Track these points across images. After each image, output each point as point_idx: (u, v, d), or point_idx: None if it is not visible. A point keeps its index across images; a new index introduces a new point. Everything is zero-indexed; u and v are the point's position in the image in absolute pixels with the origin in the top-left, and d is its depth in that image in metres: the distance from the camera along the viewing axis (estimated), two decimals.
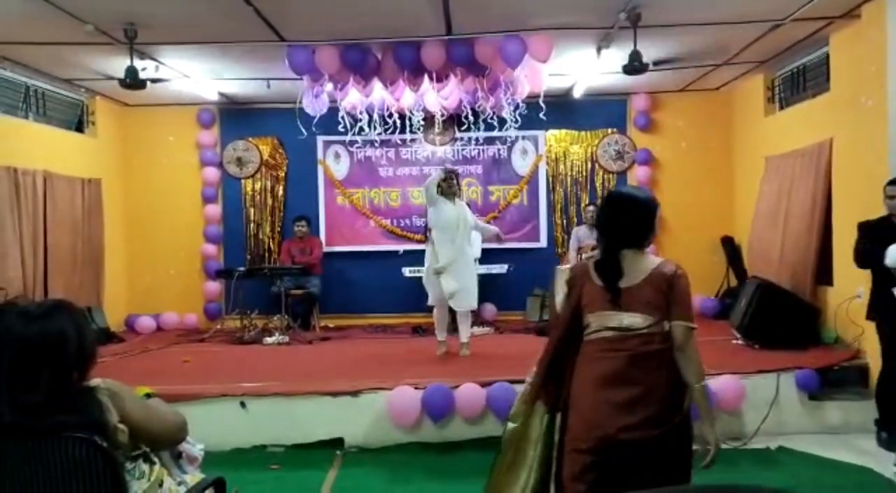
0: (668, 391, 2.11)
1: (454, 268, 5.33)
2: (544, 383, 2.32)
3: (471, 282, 5.47)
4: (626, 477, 2.04)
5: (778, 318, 5.38)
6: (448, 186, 5.43)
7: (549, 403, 2.31)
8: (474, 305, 5.60)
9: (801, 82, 6.41)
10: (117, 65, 5.74)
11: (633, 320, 2.15)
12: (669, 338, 2.13)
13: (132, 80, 5.51)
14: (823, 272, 5.62)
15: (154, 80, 6.05)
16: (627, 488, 1.99)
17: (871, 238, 4.10)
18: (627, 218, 2.24)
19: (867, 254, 4.11)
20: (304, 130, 6.32)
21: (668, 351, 2.12)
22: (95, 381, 1.88)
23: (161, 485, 1.95)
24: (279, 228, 8.04)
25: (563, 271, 2.40)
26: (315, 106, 6.12)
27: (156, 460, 1.99)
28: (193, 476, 2.14)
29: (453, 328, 5.73)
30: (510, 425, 2.39)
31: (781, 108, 6.78)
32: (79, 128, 7.24)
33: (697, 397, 2.11)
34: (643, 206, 2.27)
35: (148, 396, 2.16)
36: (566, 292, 2.31)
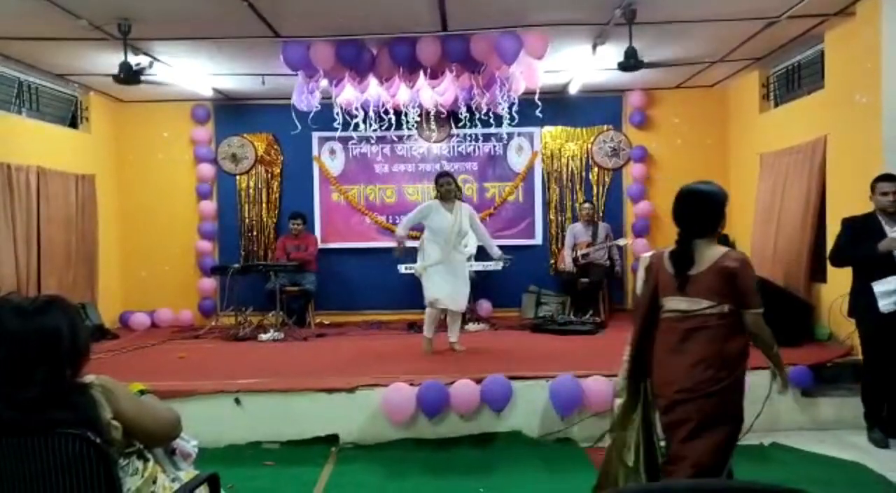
0: (719, 361, 2.50)
1: (443, 271, 5.41)
2: (636, 355, 2.69)
3: (461, 284, 5.50)
4: (687, 425, 2.48)
5: (771, 314, 5.36)
6: (446, 192, 5.42)
7: (641, 374, 2.70)
8: (464, 306, 5.63)
9: (795, 79, 6.42)
10: (111, 60, 5.71)
11: (693, 304, 2.52)
12: (725, 318, 2.50)
13: (126, 76, 5.48)
14: (817, 269, 5.64)
15: (149, 82, 6.02)
16: (690, 435, 2.45)
17: (856, 235, 4.11)
18: (698, 211, 2.56)
19: (841, 253, 4.14)
20: (298, 126, 6.30)
21: (722, 328, 2.50)
22: (89, 377, 1.87)
23: (155, 482, 1.95)
24: (274, 225, 8.03)
25: (644, 259, 2.73)
26: (305, 102, 6.10)
27: (150, 456, 1.99)
28: (187, 473, 2.14)
29: (442, 328, 5.74)
30: (618, 401, 2.77)
31: (776, 105, 6.79)
32: (73, 124, 7.21)
33: (774, 358, 2.68)
34: (712, 199, 2.58)
35: (142, 392, 2.16)
36: (644, 278, 2.66)
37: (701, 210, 2.56)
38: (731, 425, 2.53)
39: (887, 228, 4.04)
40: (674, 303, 2.56)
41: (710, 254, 2.51)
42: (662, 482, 1.10)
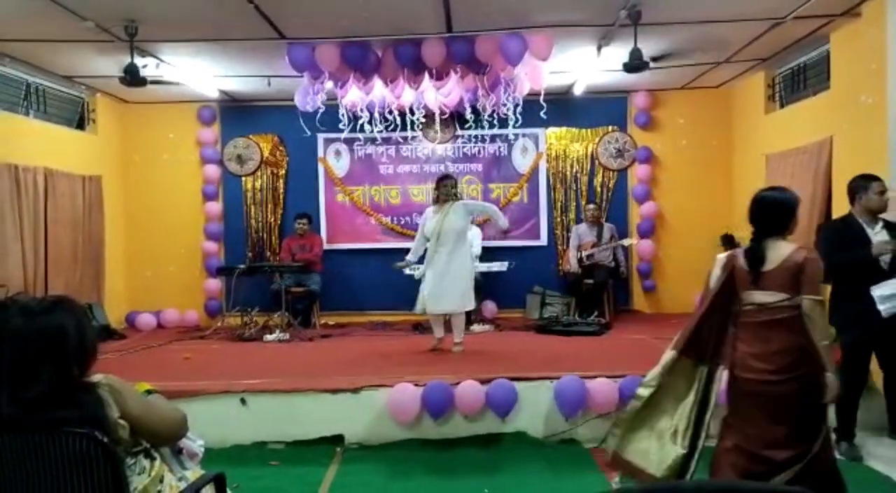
0: (798, 349, 2.71)
1: (429, 274, 5.47)
2: (691, 344, 2.96)
3: (449, 286, 5.40)
4: (766, 408, 2.74)
5: None
6: (445, 195, 5.49)
7: (699, 357, 2.94)
8: (453, 308, 5.50)
9: (801, 80, 6.41)
10: (118, 62, 5.74)
11: (767, 298, 2.78)
12: (798, 309, 2.71)
13: (132, 78, 5.51)
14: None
15: (155, 82, 6.05)
16: (768, 418, 2.73)
17: (839, 240, 3.98)
18: (772, 215, 2.86)
19: (830, 261, 4.01)
20: (305, 129, 6.32)
21: (795, 319, 2.72)
22: (96, 377, 1.89)
23: (161, 480, 1.97)
24: (279, 226, 8.05)
25: (719, 260, 3.03)
26: (308, 102, 6.11)
27: (156, 455, 2.00)
28: (194, 472, 2.15)
29: (449, 328, 5.74)
30: (644, 390, 3.03)
31: (782, 106, 6.77)
32: (79, 125, 7.24)
33: (821, 352, 2.69)
34: (784, 205, 2.89)
35: (148, 392, 2.17)
36: (719, 275, 2.94)
37: (774, 214, 2.86)
38: (816, 408, 2.75)
39: (869, 230, 3.98)
40: (752, 297, 2.82)
41: (782, 251, 2.78)
42: (671, 483, 1.11)
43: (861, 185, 4.05)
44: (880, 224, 4.03)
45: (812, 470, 2.67)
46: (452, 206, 5.49)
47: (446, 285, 5.41)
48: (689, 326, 2.99)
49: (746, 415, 2.81)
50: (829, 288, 4.11)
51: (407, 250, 7.56)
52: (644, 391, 3.04)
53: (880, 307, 3.83)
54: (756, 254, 2.81)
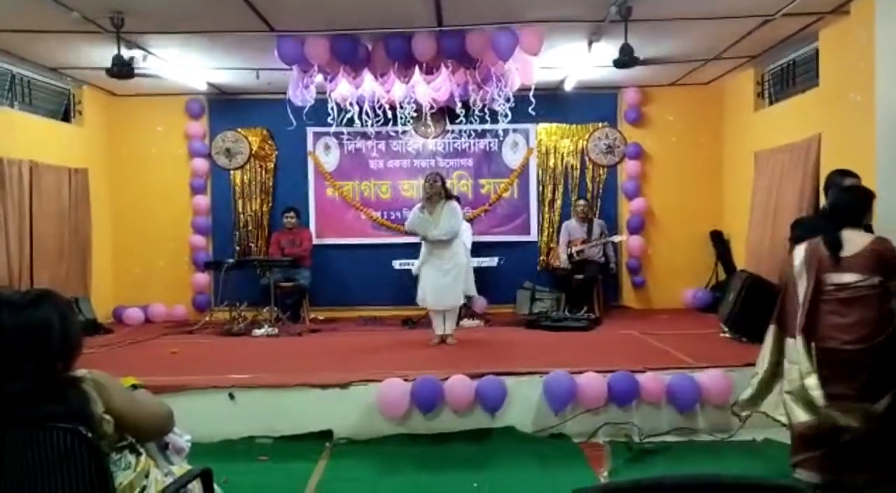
0: (874, 321, 3.13)
1: (427, 272, 5.54)
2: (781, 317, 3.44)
3: (446, 283, 5.50)
4: (845, 371, 3.13)
5: (765, 311, 5.37)
6: (428, 192, 5.53)
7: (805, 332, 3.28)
8: (451, 305, 5.63)
9: (790, 77, 6.44)
10: (104, 54, 5.68)
11: (849, 278, 3.17)
12: (875, 288, 3.14)
13: (119, 70, 5.45)
14: None
15: (142, 74, 5.99)
16: (846, 379, 3.12)
17: (812, 238, 4.02)
18: (847, 207, 3.30)
19: None
20: (293, 118, 6.27)
21: (874, 296, 3.13)
22: (81, 371, 1.87)
23: (147, 476, 1.95)
24: (268, 220, 8.01)
25: (798, 251, 3.38)
26: (301, 96, 6.08)
27: (142, 451, 1.98)
28: (180, 467, 2.13)
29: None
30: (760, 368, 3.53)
31: (771, 103, 6.81)
32: (65, 117, 7.16)
33: None
34: (858, 199, 3.34)
35: (134, 387, 2.15)
36: (802, 260, 3.31)
37: (850, 208, 3.29)
38: (888, 370, 3.11)
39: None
40: (833, 278, 3.21)
41: (860, 240, 3.19)
42: (656, 477, 1.12)
43: (834, 180, 4.11)
44: None
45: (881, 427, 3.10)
46: (447, 205, 5.50)
47: (447, 282, 5.51)
48: (788, 306, 3.38)
49: (828, 378, 3.15)
50: None
51: (397, 245, 7.63)
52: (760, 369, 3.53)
53: None
54: (836, 242, 3.22)
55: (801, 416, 3.26)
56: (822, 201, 4.19)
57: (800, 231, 4.18)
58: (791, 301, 3.36)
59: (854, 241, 3.20)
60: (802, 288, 3.30)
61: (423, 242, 5.65)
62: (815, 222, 4.13)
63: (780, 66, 6.58)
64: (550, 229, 7.94)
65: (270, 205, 8.01)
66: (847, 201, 3.37)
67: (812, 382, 3.20)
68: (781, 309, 3.44)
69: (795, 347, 3.27)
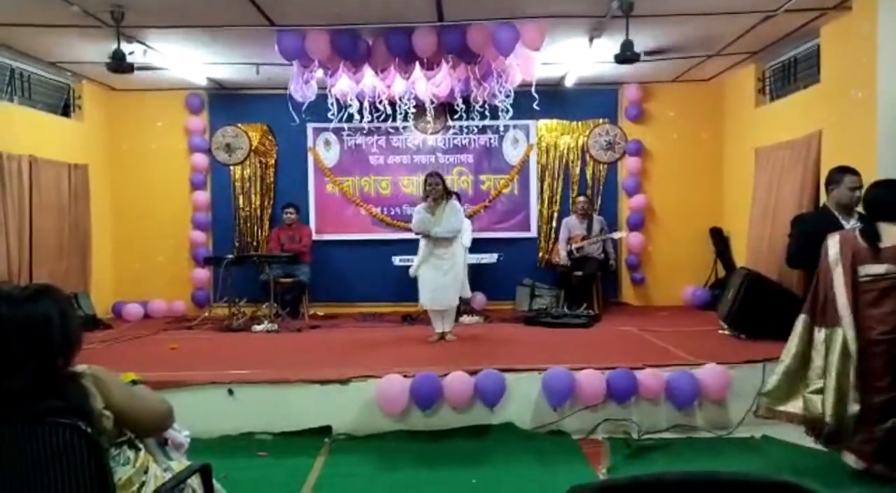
0: None
1: (427, 271, 5.53)
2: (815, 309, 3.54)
3: (446, 282, 5.51)
4: (881, 366, 3.29)
5: (764, 308, 5.41)
6: (429, 191, 5.51)
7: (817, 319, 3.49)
8: (447, 304, 5.63)
9: (791, 74, 6.42)
10: (104, 48, 5.66)
11: (886, 269, 3.30)
12: None
13: (119, 64, 5.44)
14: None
15: (141, 68, 5.97)
16: (883, 372, 3.28)
17: (814, 233, 3.93)
18: (886, 201, 3.38)
19: (802, 254, 4.05)
20: (296, 117, 6.26)
21: None
22: (81, 367, 1.87)
23: (146, 471, 1.95)
24: (268, 216, 8.00)
25: (833, 240, 3.50)
26: (303, 92, 6.07)
27: (141, 446, 1.98)
28: (179, 463, 2.13)
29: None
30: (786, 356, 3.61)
31: (772, 99, 6.79)
32: (65, 112, 7.15)
33: None
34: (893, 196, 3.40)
35: (134, 382, 2.15)
36: (837, 250, 3.43)
37: (887, 202, 3.38)
38: None
39: (845, 224, 4.01)
40: (870, 269, 3.33)
41: (894, 232, 3.33)
42: (654, 473, 1.11)
43: (835, 177, 4.10)
44: (856, 217, 4.05)
45: None
46: (448, 204, 5.50)
47: (447, 282, 5.51)
48: (820, 296, 3.49)
49: (866, 370, 3.29)
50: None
51: (397, 241, 7.63)
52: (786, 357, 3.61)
53: None
54: (874, 234, 3.35)
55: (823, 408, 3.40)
56: (823, 198, 4.20)
57: (801, 227, 4.17)
58: (824, 291, 3.46)
59: (890, 233, 3.33)
60: (838, 279, 3.41)
61: (422, 241, 5.62)
62: (816, 218, 4.13)
63: (781, 62, 6.56)
64: (550, 226, 7.94)
65: (270, 200, 8.01)
66: (885, 195, 3.45)
67: (817, 384, 3.38)
68: (813, 299, 3.52)
69: (823, 337, 3.44)
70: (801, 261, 4.20)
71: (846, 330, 3.36)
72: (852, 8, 5.05)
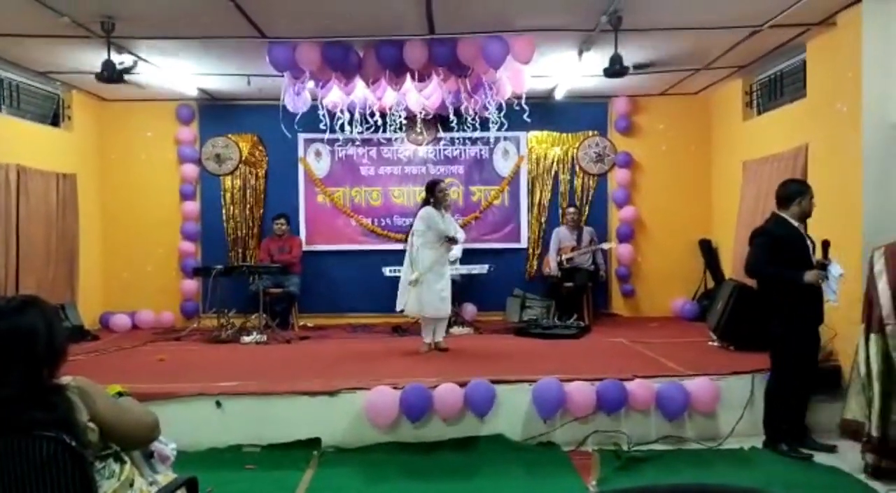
0: None
1: (434, 279, 5.54)
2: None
3: (447, 287, 5.58)
4: None
5: (753, 320, 5.43)
6: (443, 197, 5.65)
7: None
8: (447, 311, 5.70)
9: (778, 88, 6.50)
10: (94, 58, 5.65)
11: None
12: None
13: (109, 75, 5.42)
14: None
15: (133, 81, 5.96)
16: None
17: (777, 247, 4.04)
18: None
19: (763, 269, 4.08)
20: (287, 132, 6.27)
21: None
22: (66, 379, 1.85)
23: (132, 485, 1.93)
24: (258, 227, 7.97)
25: (878, 252, 3.81)
26: (297, 103, 6.08)
27: (126, 459, 1.96)
28: (165, 476, 2.11)
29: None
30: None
31: (759, 113, 6.87)
32: (54, 122, 7.11)
33: None
34: None
35: (120, 394, 2.13)
36: (884, 263, 3.74)
37: None
38: None
39: (802, 232, 4.14)
40: None
41: None
42: (644, 486, 1.12)
43: (802, 189, 4.18)
44: (803, 226, 4.21)
45: None
46: (448, 212, 5.60)
47: (448, 288, 5.62)
48: (874, 307, 3.75)
49: None
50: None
51: (387, 252, 7.61)
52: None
53: (831, 297, 3.97)
54: None
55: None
56: (776, 209, 4.19)
57: (763, 240, 4.14)
58: (870, 300, 3.77)
59: None
60: (882, 288, 3.70)
61: (430, 250, 5.54)
62: (780, 228, 4.12)
63: (768, 76, 6.64)
64: (540, 237, 7.96)
65: (261, 211, 7.98)
66: None
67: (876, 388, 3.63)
68: (869, 311, 3.80)
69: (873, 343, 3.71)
70: (759, 274, 4.18)
71: (890, 338, 3.66)
72: (837, 23, 5.13)
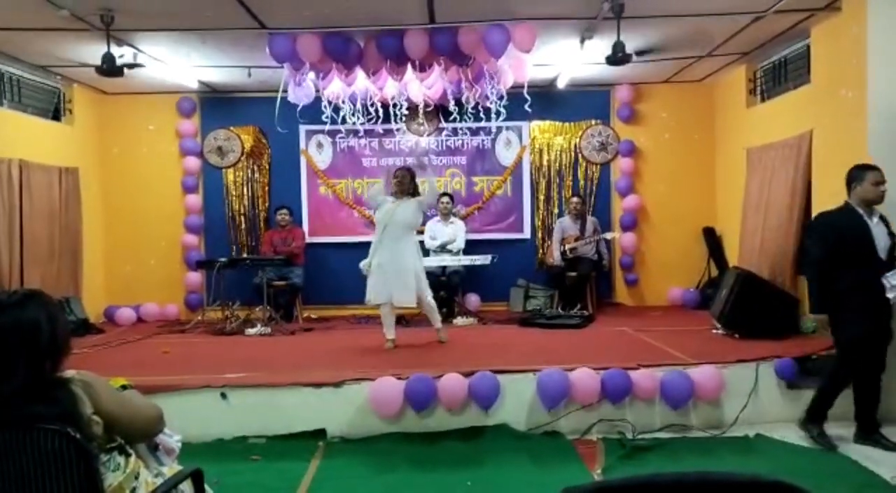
0: None
1: (381, 268, 5.40)
2: None
3: (395, 278, 5.37)
4: None
5: (757, 308, 5.44)
6: (396, 188, 5.44)
7: None
8: (399, 300, 5.46)
9: (782, 74, 6.45)
10: (94, 51, 5.63)
11: None
12: None
13: (109, 68, 5.41)
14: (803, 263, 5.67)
15: (133, 74, 5.94)
16: None
17: (840, 233, 3.92)
18: None
19: (824, 263, 3.93)
20: (286, 124, 6.24)
21: None
22: (69, 372, 1.85)
23: (137, 477, 1.93)
24: (261, 219, 7.97)
25: None
26: (299, 95, 6.06)
27: (131, 452, 1.96)
28: (171, 468, 2.12)
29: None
30: None
31: (763, 99, 6.82)
32: (56, 116, 7.10)
33: None
34: None
35: (124, 387, 2.13)
36: None
37: None
38: None
39: (868, 221, 3.94)
40: None
41: None
42: (648, 474, 1.11)
43: (857, 174, 3.99)
44: (878, 215, 4.00)
45: None
46: (407, 201, 5.43)
47: (389, 277, 5.38)
48: None
49: None
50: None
51: None
52: None
53: (889, 294, 3.84)
54: None
55: None
56: (815, 197, 4.13)
57: (822, 227, 4.04)
58: None
59: None
60: None
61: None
62: (840, 216, 4.01)
63: (772, 62, 6.59)
64: (543, 227, 7.94)
65: (263, 203, 7.98)
66: None
67: None
68: None
69: None
70: (810, 274, 4.03)
71: None
72: (842, 9, 5.08)
